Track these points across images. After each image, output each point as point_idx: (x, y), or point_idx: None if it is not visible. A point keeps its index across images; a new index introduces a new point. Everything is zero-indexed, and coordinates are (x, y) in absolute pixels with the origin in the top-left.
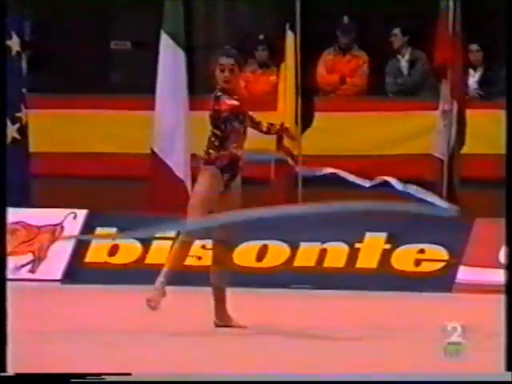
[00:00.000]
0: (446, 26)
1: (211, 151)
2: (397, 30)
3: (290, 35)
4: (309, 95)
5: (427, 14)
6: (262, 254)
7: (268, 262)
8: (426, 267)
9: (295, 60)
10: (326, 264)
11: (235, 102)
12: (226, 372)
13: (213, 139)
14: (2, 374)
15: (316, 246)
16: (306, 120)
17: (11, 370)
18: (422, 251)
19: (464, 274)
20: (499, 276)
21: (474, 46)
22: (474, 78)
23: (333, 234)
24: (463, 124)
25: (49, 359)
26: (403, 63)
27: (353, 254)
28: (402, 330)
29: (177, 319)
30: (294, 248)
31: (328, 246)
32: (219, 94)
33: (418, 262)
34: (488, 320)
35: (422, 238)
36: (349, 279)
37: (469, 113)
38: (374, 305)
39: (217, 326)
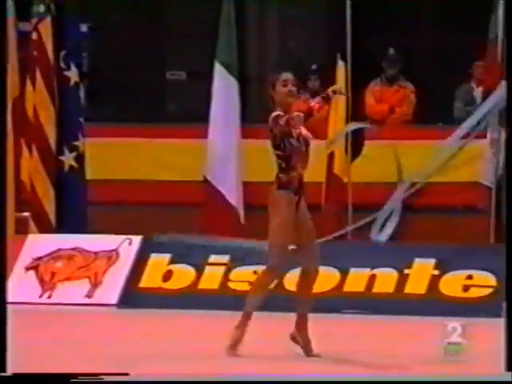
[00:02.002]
0: (494, 57)
1: (281, 175)
2: (482, 62)
3: (340, 65)
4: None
5: (474, 44)
6: None
7: (318, 287)
8: (474, 293)
9: (346, 89)
10: (376, 290)
11: (287, 116)
12: None
13: (279, 161)
14: (2, 374)
15: (366, 272)
16: (355, 148)
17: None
18: (470, 277)
19: None
20: None
21: None
22: None
23: (382, 260)
24: (511, 152)
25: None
26: (477, 93)
27: (402, 280)
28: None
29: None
30: (344, 273)
31: (377, 271)
32: (277, 113)
33: (466, 288)
34: None
35: (470, 264)
36: (398, 305)
37: None
38: (421, 330)
39: (294, 340)
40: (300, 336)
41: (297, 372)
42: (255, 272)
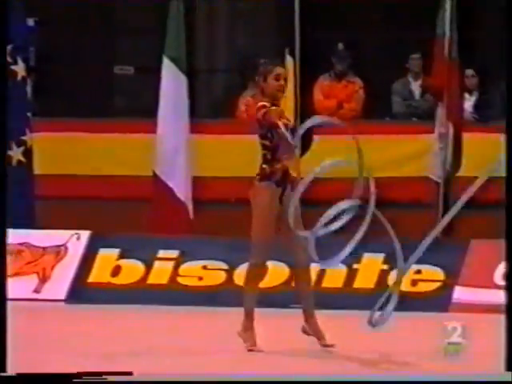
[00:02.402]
0: (442, 52)
1: (264, 166)
2: (418, 55)
3: (289, 60)
4: (307, 119)
5: (423, 40)
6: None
7: (268, 282)
8: (422, 287)
9: (294, 84)
10: (325, 284)
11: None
12: None
13: (264, 152)
14: (2, 374)
15: (315, 267)
16: (304, 144)
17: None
18: (418, 272)
19: (460, 294)
20: (495, 296)
21: (469, 71)
22: (469, 102)
23: (331, 255)
24: (459, 147)
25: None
26: (415, 86)
27: (351, 275)
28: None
29: (175, 339)
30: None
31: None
32: (262, 103)
33: (414, 283)
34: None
35: (419, 259)
36: (347, 299)
37: (464, 136)
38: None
39: (305, 332)
40: (311, 329)
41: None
42: (204, 267)
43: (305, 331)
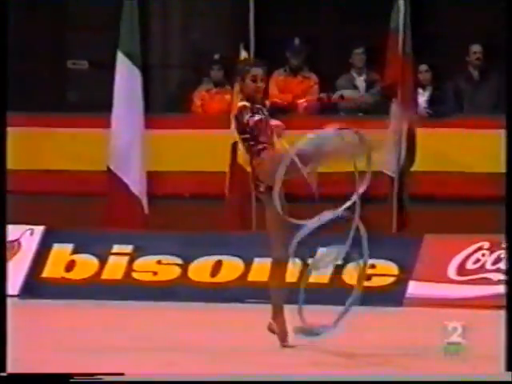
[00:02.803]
0: (395, 46)
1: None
2: (360, 50)
3: (244, 55)
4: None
5: (377, 35)
6: (216, 270)
7: (222, 277)
8: (376, 282)
9: None
10: None
11: (259, 118)
12: None
13: (246, 144)
14: (2, 374)
15: (269, 262)
16: None
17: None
18: (373, 266)
19: (414, 288)
20: (448, 290)
21: (423, 67)
22: (423, 97)
23: None
24: (413, 142)
25: None
26: (359, 82)
27: (305, 270)
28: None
29: (129, 334)
30: (248, 264)
31: None
32: (243, 103)
33: (368, 277)
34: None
35: (373, 254)
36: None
37: (418, 131)
38: (326, 319)
39: (271, 330)
40: (278, 327)
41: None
42: (159, 262)
43: (271, 329)
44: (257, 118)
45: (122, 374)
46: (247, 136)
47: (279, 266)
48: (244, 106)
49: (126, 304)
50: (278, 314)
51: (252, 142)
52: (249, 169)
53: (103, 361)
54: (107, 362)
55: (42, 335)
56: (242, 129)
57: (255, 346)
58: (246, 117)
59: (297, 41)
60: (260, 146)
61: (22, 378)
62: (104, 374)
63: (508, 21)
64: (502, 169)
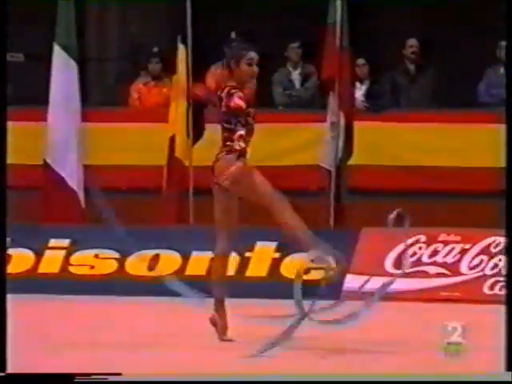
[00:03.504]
0: (333, 40)
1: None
2: (296, 44)
3: (181, 48)
4: (200, 108)
5: (314, 29)
6: (153, 263)
7: (160, 270)
8: (314, 275)
9: (187, 73)
10: None
11: (241, 103)
12: None
13: (226, 134)
14: (1, 374)
15: (207, 255)
16: (197, 132)
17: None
18: (311, 260)
19: (351, 281)
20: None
21: (360, 60)
22: (360, 91)
23: None
24: (350, 136)
25: None
26: (295, 76)
27: (243, 263)
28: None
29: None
30: (186, 257)
31: None
32: (232, 90)
33: (306, 271)
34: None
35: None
36: (239, 287)
37: (356, 125)
38: (261, 312)
39: (213, 323)
40: (220, 320)
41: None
42: (96, 256)
43: (213, 322)
44: (242, 103)
45: (119, 374)
46: (225, 118)
47: (222, 259)
48: (234, 87)
49: (62, 298)
50: (220, 307)
51: (227, 125)
52: (187, 163)
53: (39, 356)
54: (43, 359)
55: None
56: (225, 117)
57: (192, 341)
58: (235, 98)
59: (233, 34)
60: (227, 135)
61: (22, 378)
62: (104, 373)
63: (508, 21)
64: (439, 162)
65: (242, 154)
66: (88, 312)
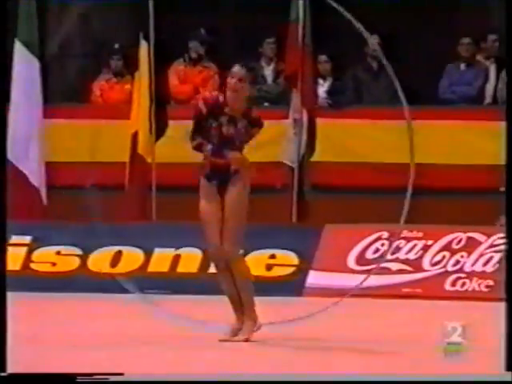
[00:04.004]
0: (295, 37)
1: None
2: (272, 39)
3: (143, 45)
4: (162, 104)
5: (278, 26)
6: (116, 260)
7: (122, 267)
8: (277, 272)
9: (149, 69)
10: (180, 269)
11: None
12: None
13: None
14: (2, 374)
15: (170, 252)
16: (159, 128)
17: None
18: (273, 256)
19: (314, 278)
20: (348, 280)
21: (322, 57)
22: (323, 88)
23: (187, 240)
24: (313, 132)
25: None
26: (268, 71)
27: (206, 260)
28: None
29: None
30: (148, 254)
31: (182, 251)
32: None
33: (269, 267)
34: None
35: (273, 244)
36: (202, 284)
37: (318, 121)
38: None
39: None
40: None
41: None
42: (58, 252)
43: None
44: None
45: (121, 374)
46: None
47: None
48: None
49: (24, 295)
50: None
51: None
52: (149, 159)
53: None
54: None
55: None
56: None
57: (154, 338)
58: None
59: (202, 30)
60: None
61: (22, 378)
62: (104, 373)
63: (508, 20)
64: (401, 158)
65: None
66: (50, 309)
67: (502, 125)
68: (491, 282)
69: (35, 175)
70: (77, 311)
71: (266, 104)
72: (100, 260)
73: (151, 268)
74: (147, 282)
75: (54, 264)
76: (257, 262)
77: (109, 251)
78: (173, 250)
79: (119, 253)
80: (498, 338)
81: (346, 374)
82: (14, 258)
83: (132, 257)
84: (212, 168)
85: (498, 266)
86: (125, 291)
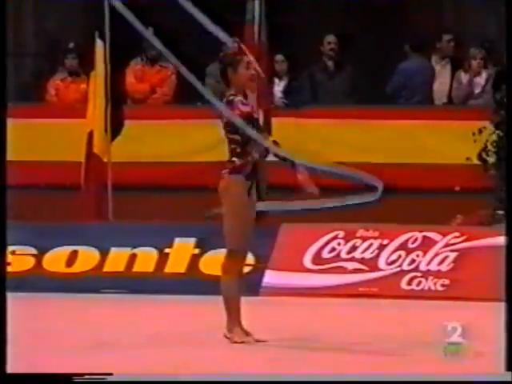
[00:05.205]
0: (251, 37)
1: (235, 159)
2: (230, 39)
3: (99, 43)
4: (118, 103)
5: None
6: (71, 260)
7: (78, 267)
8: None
9: (105, 68)
10: (136, 269)
11: (249, 109)
12: None
13: (233, 146)
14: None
15: (126, 252)
16: (115, 128)
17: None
18: None
19: (270, 277)
20: (304, 279)
21: (279, 57)
22: (279, 88)
23: (143, 240)
24: (269, 132)
25: None
26: None
27: (162, 259)
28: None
29: None
30: (104, 253)
31: (138, 251)
32: (231, 97)
33: None
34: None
35: (220, 244)
36: (158, 283)
37: (274, 121)
38: (181, 309)
39: (227, 337)
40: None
41: None
42: (13, 252)
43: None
44: (247, 108)
45: (110, 374)
46: (236, 138)
47: (235, 257)
48: (242, 102)
49: None
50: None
51: (238, 149)
52: (105, 159)
53: None
54: None
55: None
56: (228, 127)
57: (111, 338)
58: (240, 106)
59: (151, 30)
60: (246, 159)
61: (22, 378)
62: (104, 373)
63: (508, 20)
64: (358, 158)
65: (234, 169)
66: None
67: (458, 124)
68: (446, 281)
69: None
70: (31, 311)
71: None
72: (55, 260)
73: (107, 268)
74: (103, 282)
75: (8, 264)
76: (214, 261)
77: (64, 251)
78: (129, 249)
79: (75, 252)
80: (497, 338)
81: (345, 374)
82: None
83: (88, 256)
84: (252, 168)
85: (453, 265)
86: (80, 291)
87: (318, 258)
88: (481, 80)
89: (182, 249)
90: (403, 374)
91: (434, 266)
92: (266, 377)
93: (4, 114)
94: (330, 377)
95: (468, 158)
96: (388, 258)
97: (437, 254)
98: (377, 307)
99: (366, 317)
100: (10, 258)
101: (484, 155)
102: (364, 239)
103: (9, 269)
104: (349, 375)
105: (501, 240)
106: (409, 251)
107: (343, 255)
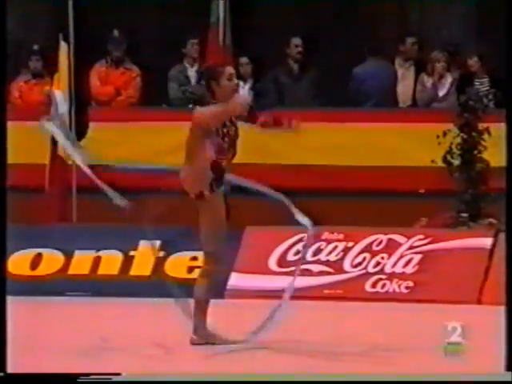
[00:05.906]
0: (216, 39)
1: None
2: (196, 40)
3: (63, 45)
4: (83, 105)
5: (200, 27)
6: (36, 263)
7: (42, 270)
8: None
9: (68, 70)
10: (100, 272)
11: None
12: None
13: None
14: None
15: (91, 254)
16: (80, 130)
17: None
18: (194, 258)
19: (235, 280)
20: (269, 282)
21: (243, 59)
22: (243, 90)
23: (107, 242)
24: (236, 134)
25: None
26: (191, 72)
27: (127, 262)
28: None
29: None
30: (69, 256)
31: (102, 253)
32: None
33: (190, 269)
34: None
35: (194, 246)
36: (123, 286)
37: (239, 123)
38: (147, 311)
39: (194, 343)
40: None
41: None
42: None
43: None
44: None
45: (119, 374)
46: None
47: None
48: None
49: None
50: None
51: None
52: (70, 161)
53: None
54: None
55: None
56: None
57: (76, 341)
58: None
59: (116, 32)
60: None
61: (22, 378)
62: (104, 373)
63: (508, 20)
64: (323, 160)
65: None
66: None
67: (422, 127)
68: (411, 283)
69: None
70: None
71: (190, 105)
72: (20, 262)
73: (72, 270)
74: (68, 285)
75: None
76: (178, 264)
77: (28, 254)
78: (93, 252)
79: (39, 255)
80: (497, 339)
81: (345, 374)
82: None
83: (52, 259)
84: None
85: (417, 267)
86: (44, 293)
87: (283, 261)
88: (445, 83)
89: (147, 251)
90: (403, 374)
91: (398, 269)
92: (266, 377)
93: (4, 116)
94: (329, 377)
95: (433, 161)
96: (353, 260)
97: (401, 257)
98: (343, 309)
99: (330, 318)
100: None
101: (449, 158)
102: (329, 242)
103: None
104: (349, 375)
105: (465, 242)
106: (374, 254)
107: (308, 258)
